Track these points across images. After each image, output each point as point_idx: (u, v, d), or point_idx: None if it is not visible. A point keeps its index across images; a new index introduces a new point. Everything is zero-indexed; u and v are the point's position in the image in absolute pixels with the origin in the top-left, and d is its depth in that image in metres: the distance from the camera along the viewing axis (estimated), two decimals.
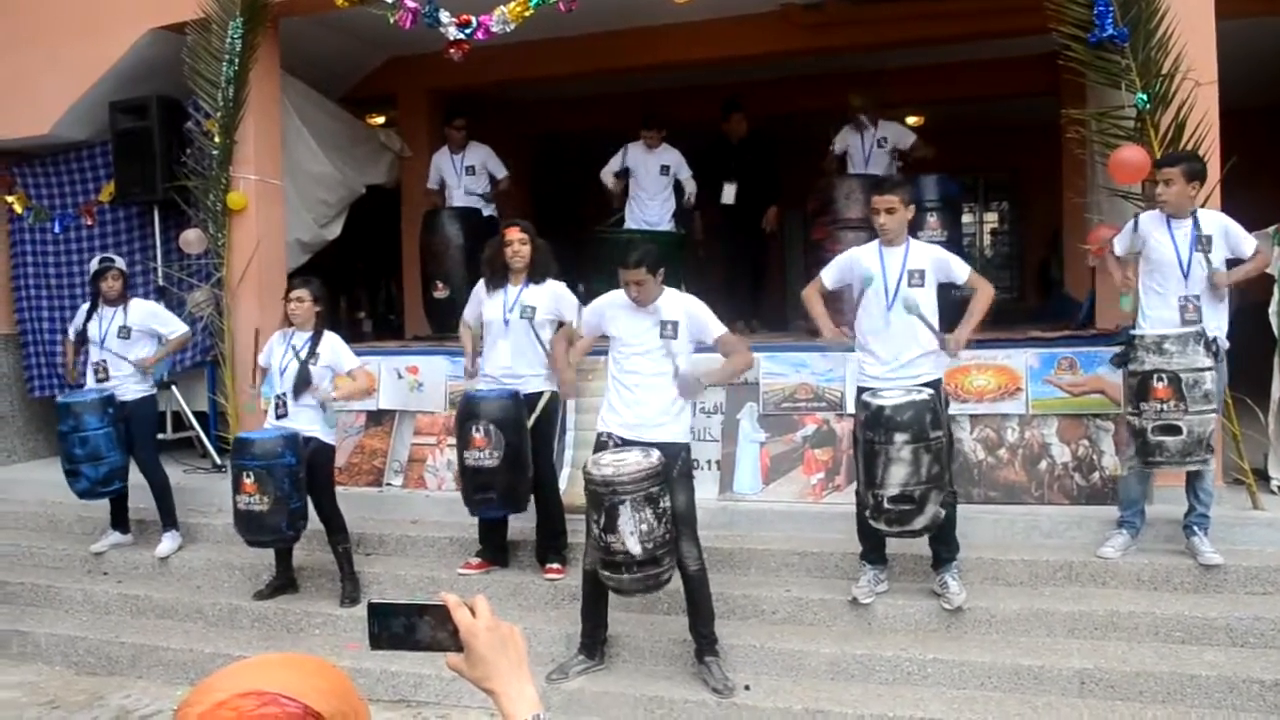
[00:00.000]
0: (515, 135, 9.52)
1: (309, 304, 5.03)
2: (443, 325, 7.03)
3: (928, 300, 4.31)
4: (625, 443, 4.13)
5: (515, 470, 4.76)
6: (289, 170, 6.92)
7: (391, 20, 5.76)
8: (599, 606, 4.31)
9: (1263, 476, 5.16)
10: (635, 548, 3.80)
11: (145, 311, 5.71)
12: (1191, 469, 4.39)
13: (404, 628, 1.19)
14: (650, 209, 7.34)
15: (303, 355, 4.97)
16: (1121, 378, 4.61)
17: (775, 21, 7.36)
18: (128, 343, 5.57)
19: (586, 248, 7.32)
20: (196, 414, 6.83)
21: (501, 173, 7.71)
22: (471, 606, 1.19)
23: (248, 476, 4.68)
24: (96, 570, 5.69)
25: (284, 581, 5.19)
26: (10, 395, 7.50)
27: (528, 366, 4.99)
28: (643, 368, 4.20)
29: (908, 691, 4.07)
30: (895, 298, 4.29)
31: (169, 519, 5.67)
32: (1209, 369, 4.24)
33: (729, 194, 7.42)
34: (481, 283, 5.18)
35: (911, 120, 8.38)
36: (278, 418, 4.96)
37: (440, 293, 7.24)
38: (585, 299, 4.86)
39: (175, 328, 5.76)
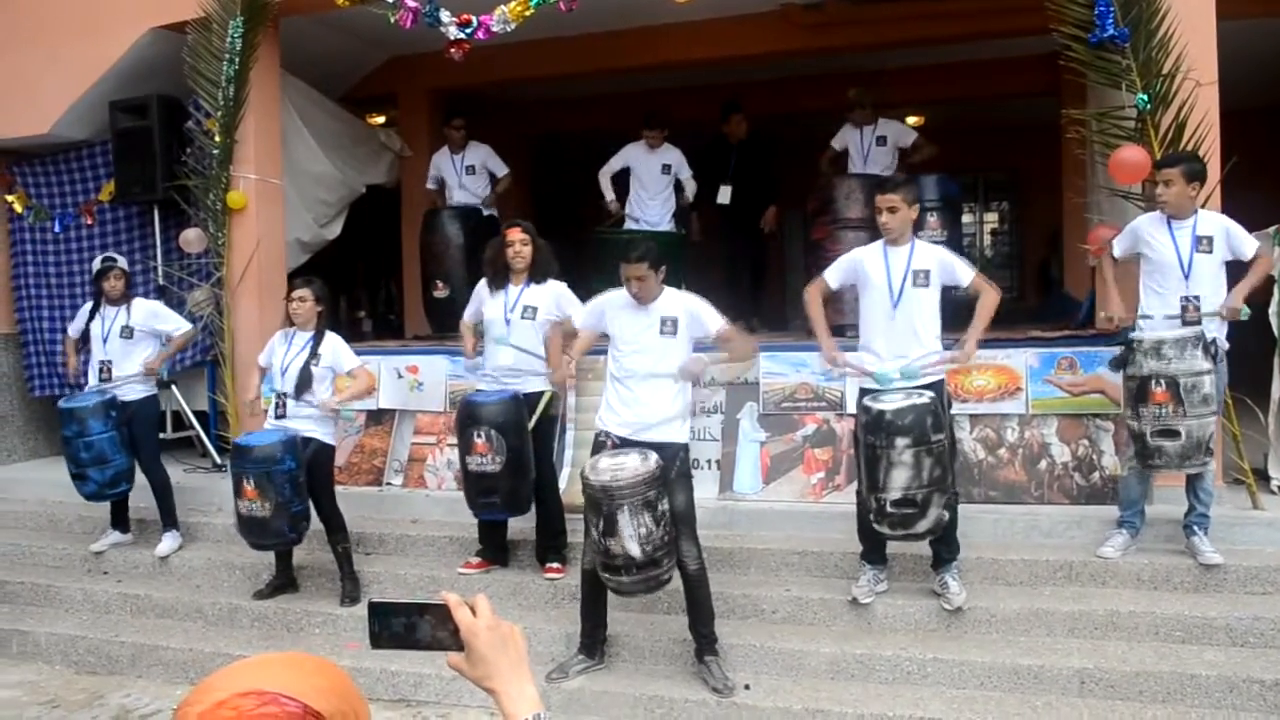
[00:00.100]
0: (515, 135, 9.51)
1: (311, 304, 5.04)
2: (443, 325, 7.03)
3: (931, 301, 4.29)
4: (623, 442, 4.12)
5: (518, 474, 4.77)
6: (289, 170, 6.92)
7: (392, 20, 5.76)
8: (598, 606, 4.30)
9: (1263, 476, 5.16)
10: (635, 551, 3.79)
11: (147, 311, 5.72)
12: (1191, 472, 4.38)
13: (404, 627, 1.18)
14: (651, 209, 7.33)
15: (304, 356, 4.97)
16: (1120, 380, 4.61)
17: (775, 21, 7.36)
18: (130, 342, 5.58)
19: (587, 248, 7.32)
20: (197, 413, 6.83)
21: (502, 170, 7.69)
22: (472, 606, 1.19)
23: (248, 482, 4.67)
24: (96, 570, 5.69)
25: (284, 581, 5.20)
26: (10, 395, 7.50)
27: (528, 366, 5.00)
28: (641, 367, 4.20)
29: (908, 691, 4.06)
30: (900, 296, 4.28)
31: (169, 518, 5.68)
32: (1208, 372, 4.22)
33: (725, 195, 7.43)
34: (483, 282, 5.18)
35: (911, 120, 8.37)
36: (277, 417, 4.96)
37: (440, 292, 7.24)
38: (584, 299, 4.86)
39: (179, 325, 5.78)
